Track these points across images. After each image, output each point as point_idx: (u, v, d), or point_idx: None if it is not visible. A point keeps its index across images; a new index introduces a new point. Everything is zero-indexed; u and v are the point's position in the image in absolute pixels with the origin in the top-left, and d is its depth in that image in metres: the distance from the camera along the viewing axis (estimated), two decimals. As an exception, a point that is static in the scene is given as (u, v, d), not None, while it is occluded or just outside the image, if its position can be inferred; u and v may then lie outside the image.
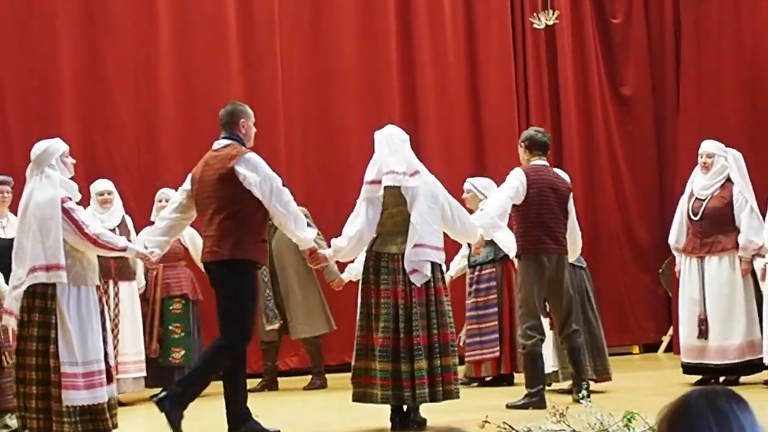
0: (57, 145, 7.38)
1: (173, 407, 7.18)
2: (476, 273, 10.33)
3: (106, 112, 11.92)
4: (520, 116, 13.15)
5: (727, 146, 9.96)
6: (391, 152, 7.81)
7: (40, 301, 7.07)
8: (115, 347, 9.37)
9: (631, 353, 13.59)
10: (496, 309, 10.24)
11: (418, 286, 7.53)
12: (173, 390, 7.31)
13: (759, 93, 13.09)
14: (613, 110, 13.78)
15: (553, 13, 11.00)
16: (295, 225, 7.46)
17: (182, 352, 10.34)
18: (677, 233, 10.09)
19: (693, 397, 2.49)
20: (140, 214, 10.67)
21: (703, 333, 9.69)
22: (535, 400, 8.44)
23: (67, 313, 7.08)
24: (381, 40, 12.85)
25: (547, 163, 8.86)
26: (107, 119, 11.92)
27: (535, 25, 11.25)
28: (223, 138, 7.69)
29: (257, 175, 7.34)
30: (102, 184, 10.26)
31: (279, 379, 11.07)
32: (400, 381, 7.49)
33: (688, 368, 9.92)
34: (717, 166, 9.85)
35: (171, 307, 10.44)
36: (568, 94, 13.41)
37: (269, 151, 12.28)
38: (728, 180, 9.81)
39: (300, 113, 12.54)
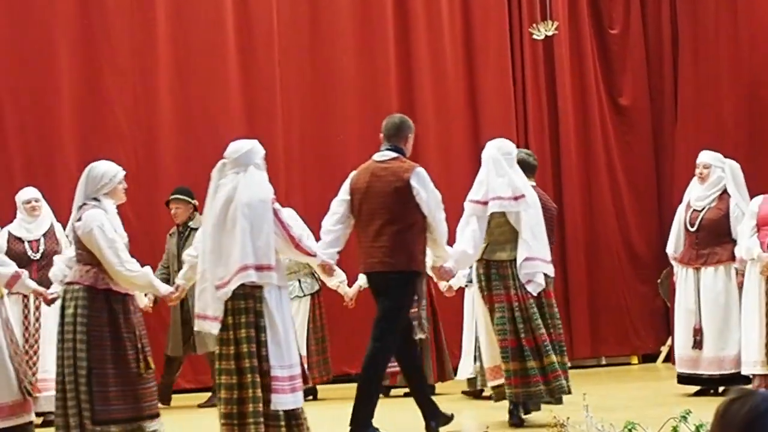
0: (260, 147, 7.34)
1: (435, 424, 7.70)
2: None
3: (104, 123, 11.91)
4: (518, 127, 13.16)
5: (725, 156, 9.98)
6: (498, 175, 8.22)
7: (249, 303, 6.94)
8: (34, 364, 9.37)
9: (629, 363, 13.58)
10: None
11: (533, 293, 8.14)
12: (359, 418, 7.56)
13: (756, 102, 13.09)
14: (611, 120, 13.78)
15: (553, 24, 11.03)
16: (444, 241, 7.79)
17: None
18: (675, 243, 10.10)
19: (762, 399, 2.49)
20: (139, 225, 10.68)
21: (697, 343, 9.71)
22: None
23: (276, 315, 6.98)
24: (379, 50, 12.86)
25: (534, 184, 8.87)
26: (105, 130, 11.91)
27: (534, 36, 11.27)
28: (387, 150, 7.85)
29: (425, 190, 7.62)
30: (28, 192, 10.11)
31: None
32: (528, 378, 8.04)
33: (682, 379, 9.93)
34: (713, 177, 9.87)
35: None
36: (566, 104, 13.42)
37: (269, 161, 12.30)
38: (725, 191, 9.82)
39: (298, 121, 12.55)
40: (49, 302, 7.72)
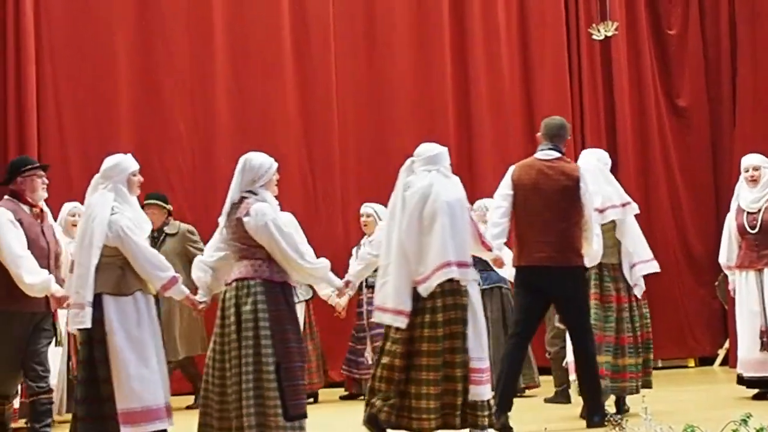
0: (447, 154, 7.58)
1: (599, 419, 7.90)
2: (370, 294, 10.35)
3: (162, 125, 12.02)
4: (575, 128, 13.07)
5: (781, 158, 9.92)
6: (608, 182, 8.80)
7: (456, 299, 7.14)
8: None
9: (686, 366, 13.49)
10: None
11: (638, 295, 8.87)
12: (593, 410, 7.95)
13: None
14: (669, 122, 13.69)
15: (612, 25, 10.97)
16: (593, 240, 8.25)
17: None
18: (727, 251, 10.03)
19: None
20: (197, 226, 10.70)
21: (765, 345, 9.60)
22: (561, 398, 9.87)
23: (478, 309, 7.27)
24: (435, 54, 12.86)
25: None
26: (163, 132, 12.01)
27: (594, 36, 11.22)
28: (550, 149, 8.21)
29: (589, 191, 8.09)
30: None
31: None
32: (624, 374, 8.67)
33: (747, 382, 9.82)
34: (765, 178, 9.79)
35: None
36: (624, 105, 13.34)
37: (324, 163, 12.37)
38: (777, 191, 9.76)
39: (354, 126, 12.57)
40: (200, 311, 7.47)
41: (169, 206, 10.60)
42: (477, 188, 12.67)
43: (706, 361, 13.57)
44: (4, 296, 7.39)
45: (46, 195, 7.73)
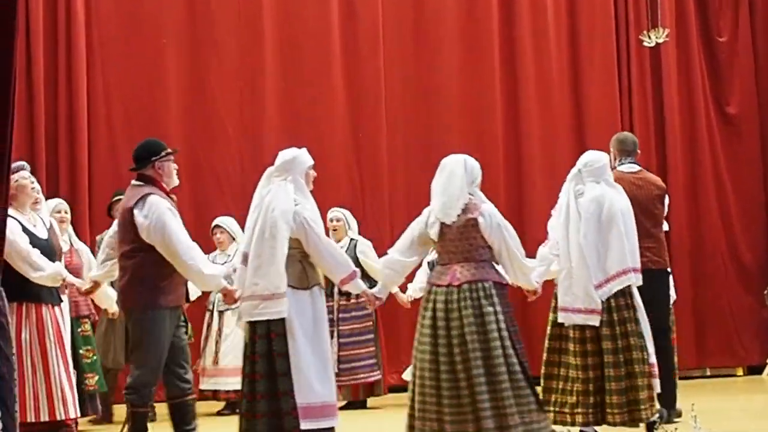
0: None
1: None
2: (345, 301, 10.44)
3: (211, 128, 12.07)
4: (623, 129, 13.01)
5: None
6: None
7: (627, 300, 7.48)
8: None
9: (734, 375, 13.39)
10: (372, 335, 10.59)
11: None
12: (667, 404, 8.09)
13: None
14: (719, 129, 13.60)
15: (663, 31, 10.92)
16: None
17: (96, 378, 9.13)
18: None
19: None
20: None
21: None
22: None
23: (642, 309, 7.58)
24: (484, 54, 12.84)
25: None
26: (211, 134, 12.07)
27: (645, 43, 11.18)
28: (632, 163, 8.74)
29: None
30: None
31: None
32: None
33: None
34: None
35: (79, 329, 9.12)
36: (673, 112, 13.26)
37: (373, 168, 12.39)
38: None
39: (402, 126, 12.59)
40: (376, 306, 7.65)
41: None
42: (525, 190, 12.69)
43: (754, 369, 13.45)
44: (157, 294, 7.06)
45: (177, 181, 7.46)
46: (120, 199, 9.17)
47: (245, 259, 7.11)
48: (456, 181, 7.09)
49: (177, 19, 12.12)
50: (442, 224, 6.97)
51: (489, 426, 6.63)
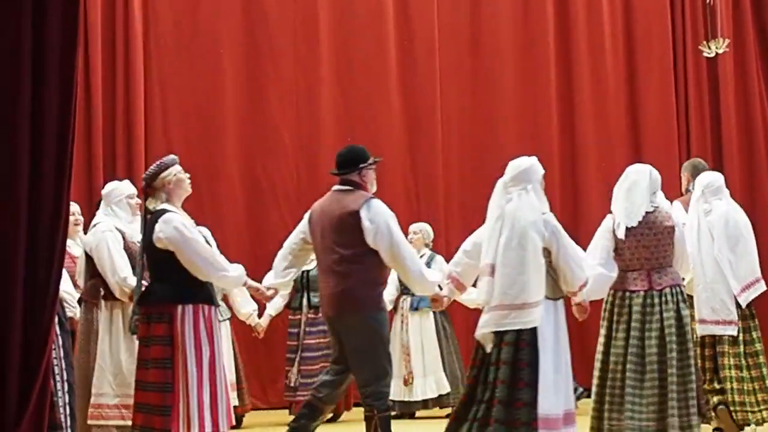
0: None
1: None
2: (312, 315, 10.27)
3: (267, 138, 12.13)
4: (680, 146, 12.91)
5: None
6: None
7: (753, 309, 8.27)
8: None
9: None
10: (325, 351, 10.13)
11: None
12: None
13: None
14: (776, 138, 13.45)
15: (723, 42, 10.83)
16: None
17: None
18: None
19: None
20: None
21: None
22: None
23: None
24: (540, 64, 12.78)
25: None
26: (268, 146, 12.12)
27: (705, 54, 11.08)
28: None
29: None
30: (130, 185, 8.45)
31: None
32: None
33: None
34: None
35: None
36: (730, 122, 13.11)
37: (428, 180, 12.39)
38: None
39: (458, 135, 12.58)
40: None
41: None
42: (580, 200, 12.63)
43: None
44: (380, 296, 7.25)
45: (375, 188, 7.51)
46: None
47: (492, 270, 7.00)
48: (640, 189, 7.49)
49: (234, 29, 12.18)
50: (627, 228, 7.38)
51: (674, 425, 6.97)
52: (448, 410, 8.91)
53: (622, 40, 13.09)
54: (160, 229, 6.64)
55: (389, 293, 9.78)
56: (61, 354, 7.00)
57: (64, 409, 6.97)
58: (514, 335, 6.85)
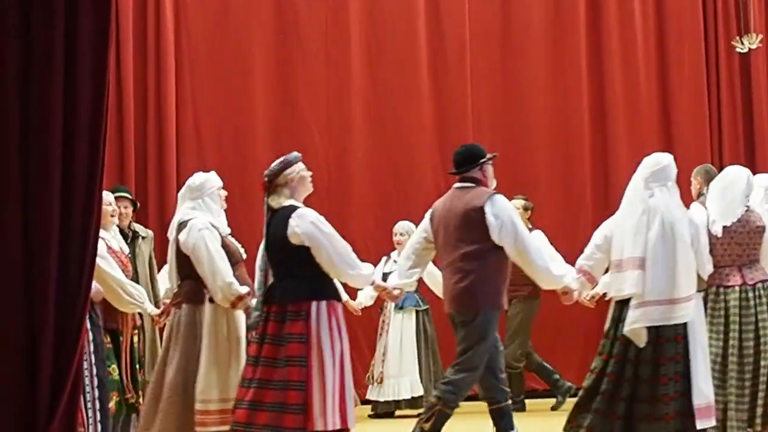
0: None
1: None
2: None
3: (297, 133, 12.13)
4: (712, 142, 12.87)
5: None
6: None
7: None
8: None
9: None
10: None
11: None
12: None
13: None
14: (810, 135, 13.36)
15: (756, 37, 10.79)
16: None
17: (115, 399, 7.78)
18: None
19: None
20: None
21: None
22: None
23: None
24: (570, 65, 12.75)
25: None
26: (299, 145, 12.01)
27: (737, 49, 11.06)
28: None
29: None
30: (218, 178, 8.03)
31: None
32: None
33: None
34: None
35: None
36: (762, 118, 13.04)
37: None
38: None
39: (489, 136, 12.51)
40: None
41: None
42: (611, 199, 12.53)
43: None
44: (499, 294, 7.33)
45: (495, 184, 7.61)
46: (121, 196, 9.01)
47: (642, 263, 7.03)
48: (737, 191, 7.76)
49: (265, 29, 12.22)
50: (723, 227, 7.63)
51: (758, 414, 7.31)
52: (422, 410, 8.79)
53: (653, 37, 13.03)
54: (296, 224, 6.61)
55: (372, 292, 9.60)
56: (91, 349, 6.90)
57: (93, 404, 6.87)
58: (671, 330, 6.94)
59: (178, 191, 11.52)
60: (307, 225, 6.61)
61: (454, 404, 7.26)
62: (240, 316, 7.15)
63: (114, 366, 7.73)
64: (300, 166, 6.94)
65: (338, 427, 6.51)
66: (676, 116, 12.89)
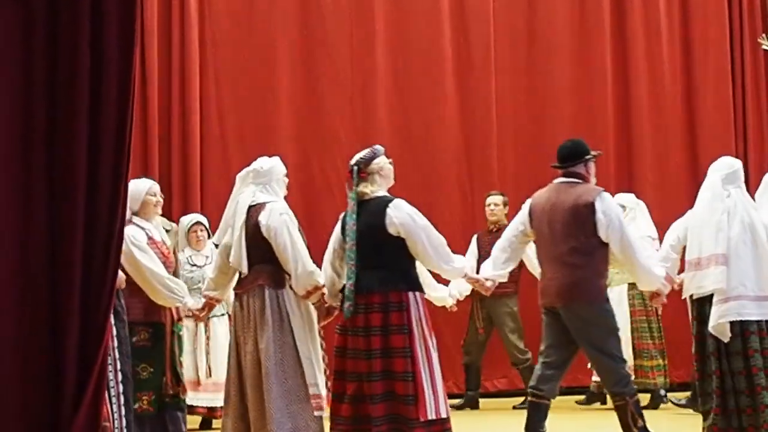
0: None
1: None
2: None
3: (322, 131, 12.16)
4: (737, 140, 12.84)
5: None
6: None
7: None
8: None
9: None
10: None
11: None
12: None
13: None
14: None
15: (782, 35, 10.78)
16: None
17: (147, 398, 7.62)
18: None
19: None
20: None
21: None
22: None
23: None
24: (596, 61, 12.75)
25: None
26: (322, 138, 12.15)
27: (763, 47, 11.05)
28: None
29: None
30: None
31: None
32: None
33: None
34: None
35: (134, 339, 7.45)
36: (788, 118, 13.03)
37: (483, 174, 12.36)
38: None
39: (513, 136, 12.57)
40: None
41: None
42: (636, 194, 12.53)
43: None
44: (603, 287, 7.52)
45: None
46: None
47: (725, 260, 7.23)
48: None
49: (289, 25, 12.23)
50: None
51: None
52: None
53: (678, 34, 13.01)
54: (395, 215, 6.64)
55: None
56: (116, 344, 6.86)
57: (118, 399, 6.82)
58: (755, 325, 7.21)
59: (201, 189, 11.68)
60: (404, 216, 6.65)
61: (633, 390, 7.34)
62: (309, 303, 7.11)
63: (144, 365, 7.55)
64: (385, 157, 6.97)
65: (443, 415, 6.56)
66: (701, 115, 12.87)
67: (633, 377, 9.27)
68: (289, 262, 6.94)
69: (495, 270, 7.59)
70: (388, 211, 6.64)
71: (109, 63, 4.76)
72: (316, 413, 6.89)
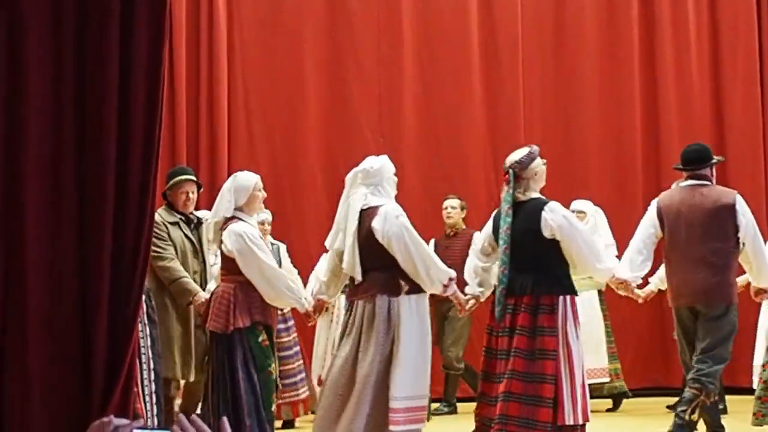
0: None
1: None
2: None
3: (349, 133, 12.19)
4: (765, 141, 12.78)
5: None
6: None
7: None
8: None
9: None
10: (298, 348, 9.71)
11: None
12: None
13: None
14: None
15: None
16: None
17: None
18: None
19: None
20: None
21: None
22: None
23: None
24: (624, 60, 12.71)
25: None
26: (349, 140, 12.17)
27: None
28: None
29: None
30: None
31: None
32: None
33: None
34: None
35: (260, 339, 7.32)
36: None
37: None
38: None
39: (541, 134, 12.49)
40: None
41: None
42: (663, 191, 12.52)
43: None
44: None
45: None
46: (183, 179, 8.28)
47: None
48: None
49: (317, 28, 12.27)
50: None
51: None
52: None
53: (706, 33, 12.95)
54: (551, 218, 6.70)
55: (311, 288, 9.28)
56: (149, 343, 6.90)
57: (150, 398, 6.86)
58: None
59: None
60: (560, 218, 6.71)
61: (715, 394, 7.57)
62: (427, 309, 7.04)
63: (273, 365, 7.42)
64: (540, 159, 7.01)
65: (580, 422, 6.59)
66: (729, 114, 12.80)
67: (608, 381, 9.50)
68: (415, 264, 6.82)
69: (633, 272, 7.73)
70: (544, 214, 6.72)
71: (138, 69, 4.79)
72: (413, 426, 6.77)
